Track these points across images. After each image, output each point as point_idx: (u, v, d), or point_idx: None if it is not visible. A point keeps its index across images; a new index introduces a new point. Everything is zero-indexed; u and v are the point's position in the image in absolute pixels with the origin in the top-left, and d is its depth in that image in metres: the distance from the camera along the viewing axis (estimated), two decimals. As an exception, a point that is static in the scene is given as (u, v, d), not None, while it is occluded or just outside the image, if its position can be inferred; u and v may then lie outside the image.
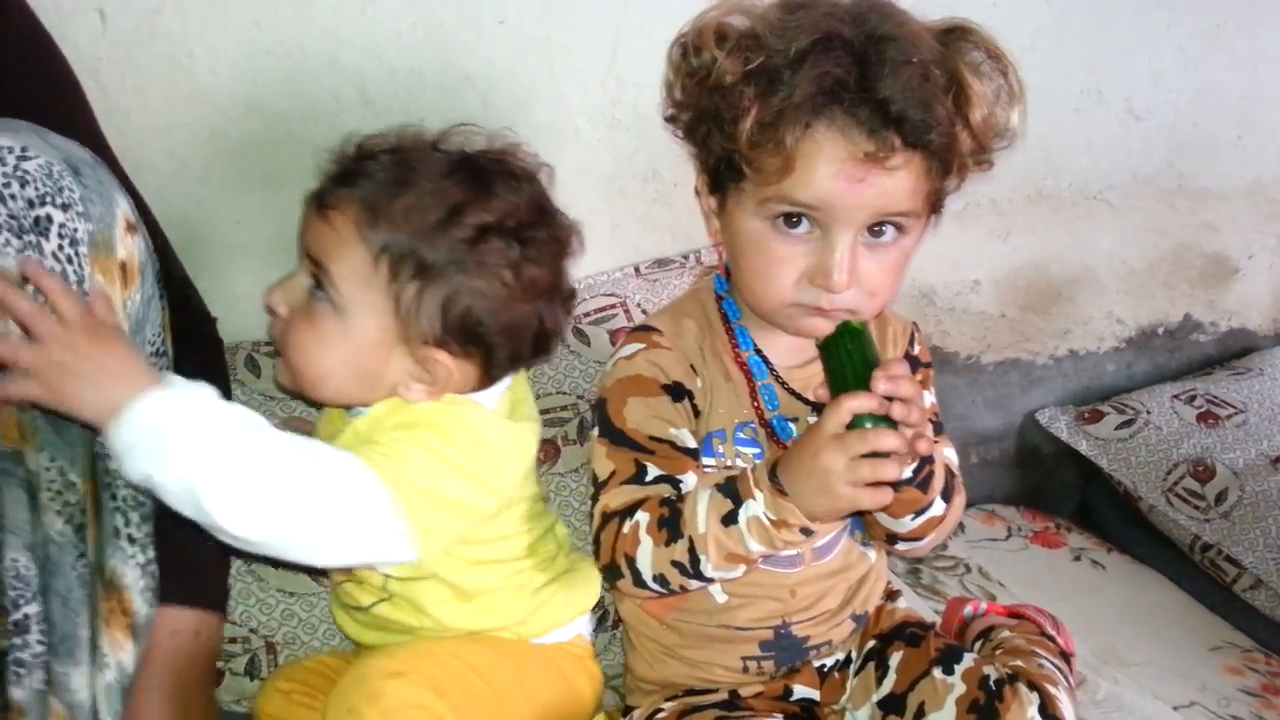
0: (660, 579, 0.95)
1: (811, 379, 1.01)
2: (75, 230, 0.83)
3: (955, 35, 0.94)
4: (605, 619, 1.17)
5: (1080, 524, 1.66)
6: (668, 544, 0.93)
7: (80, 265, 0.84)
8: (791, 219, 0.92)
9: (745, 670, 1.03)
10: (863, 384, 0.90)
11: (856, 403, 0.88)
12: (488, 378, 0.94)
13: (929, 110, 0.88)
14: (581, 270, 1.33)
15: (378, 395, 0.92)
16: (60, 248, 0.83)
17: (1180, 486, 1.57)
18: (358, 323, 0.89)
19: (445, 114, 1.24)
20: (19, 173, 0.81)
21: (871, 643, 1.05)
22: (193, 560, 0.96)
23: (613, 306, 1.29)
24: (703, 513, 0.92)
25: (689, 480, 0.98)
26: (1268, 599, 1.44)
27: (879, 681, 1.02)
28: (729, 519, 0.91)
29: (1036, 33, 1.52)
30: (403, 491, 0.85)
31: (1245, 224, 1.77)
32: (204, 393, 0.81)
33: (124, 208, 0.87)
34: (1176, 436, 1.62)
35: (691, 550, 0.93)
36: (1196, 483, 1.57)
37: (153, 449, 0.77)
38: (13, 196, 0.81)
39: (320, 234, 0.89)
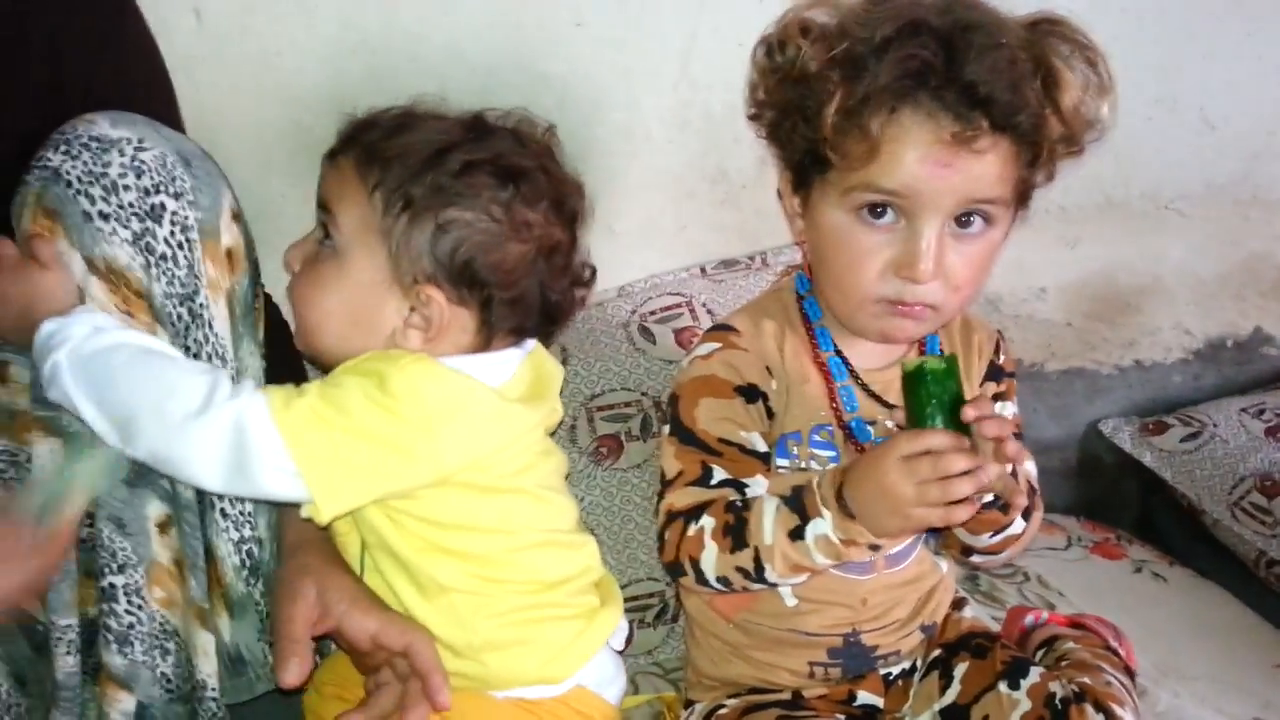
0: (723, 580, 0.96)
1: (892, 382, 1.00)
2: (186, 218, 0.88)
3: (1043, 26, 0.93)
4: (665, 611, 1.19)
5: (1141, 536, 1.64)
6: (733, 551, 0.94)
7: (190, 250, 0.88)
8: (876, 209, 0.91)
9: (811, 675, 1.03)
10: (946, 419, 0.89)
11: (936, 440, 0.87)
12: (486, 333, 0.93)
13: (1017, 92, 0.88)
14: (648, 269, 1.37)
15: (375, 344, 0.92)
16: (172, 234, 0.87)
17: (1246, 501, 1.55)
18: (354, 263, 0.91)
19: (521, 113, 1.28)
20: (135, 163, 0.86)
21: (937, 651, 1.05)
22: None
23: (678, 306, 1.31)
24: (769, 525, 0.92)
25: (755, 484, 0.98)
26: (1334, 617, 1.42)
27: (942, 690, 1.01)
28: (796, 534, 0.91)
29: (1110, 39, 1.48)
30: (297, 431, 0.85)
31: (1320, 237, 1.74)
32: (90, 319, 0.84)
33: (229, 197, 0.92)
34: (1244, 450, 1.60)
35: (757, 559, 0.93)
36: (1263, 497, 1.54)
37: (47, 373, 0.84)
38: (127, 187, 0.86)
39: (328, 181, 0.93)
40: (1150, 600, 1.48)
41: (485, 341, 0.94)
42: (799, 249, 1.08)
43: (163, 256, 0.87)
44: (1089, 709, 0.95)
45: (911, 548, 1.04)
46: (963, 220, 0.92)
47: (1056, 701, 0.95)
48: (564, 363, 1.28)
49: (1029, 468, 1.04)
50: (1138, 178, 1.60)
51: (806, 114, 0.92)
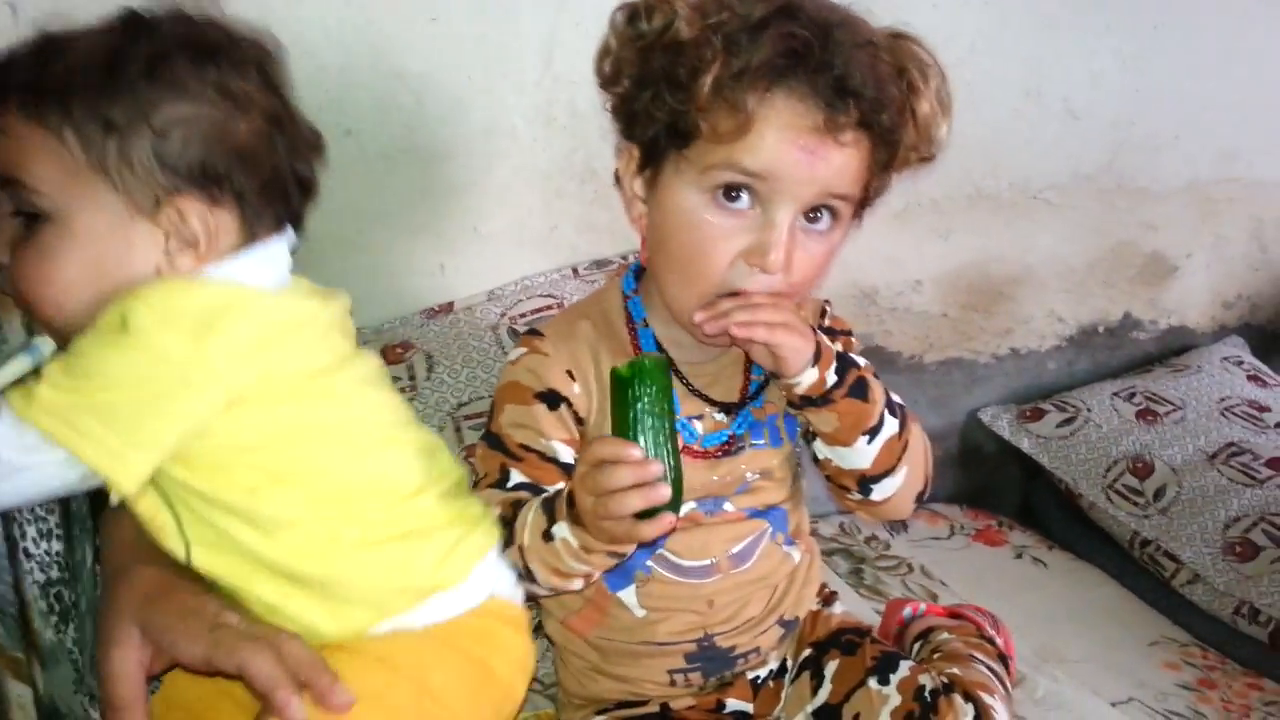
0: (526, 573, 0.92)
1: (714, 374, 0.99)
2: None
3: (899, 38, 0.94)
4: (541, 627, 1.16)
5: (1022, 522, 1.67)
6: (505, 546, 0.91)
7: None
8: (733, 192, 0.89)
9: (673, 684, 1.01)
10: (642, 425, 0.84)
11: (603, 450, 0.83)
12: (248, 230, 0.84)
13: (883, 90, 0.88)
14: (518, 271, 1.33)
15: None
16: None
17: (1120, 483, 1.59)
18: (77, 218, 0.80)
19: (377, 113, 1.23)
20: None
21: (807, 651, 1.04)
22: None
23: (550, 308, 1.28)
24: (529, 525, 0.90)
25: (556, 490, 0.94)
26: (1205, 594, 1.46)
27: (814, 691, 1.00)
28: (546, 536, 0.89)
29: (977, 34, 1.53)
30: (49, 416, 0.76)
31: (1184, 223, 1.79)
32: None
33: None
34: (1116, 434, 1.64)
35: (523, 559, 0.90)
36: (1135, 479, 1.58)
37: None
38: None
39: None
40: (1031, 585, 1.50)
41: (252, 237, 0.84)
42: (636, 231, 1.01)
43: None
44: (958, 699, 0.94)
45: (755, 544, 1.01)
46: (812, 215, 0.90)
47: (926, 694, 0.95)
48: (429, 370, 1.24)
49: (891, 427, 0.99)
50: (1007, 169, 1.63)
51: (676, 81, 0.88)
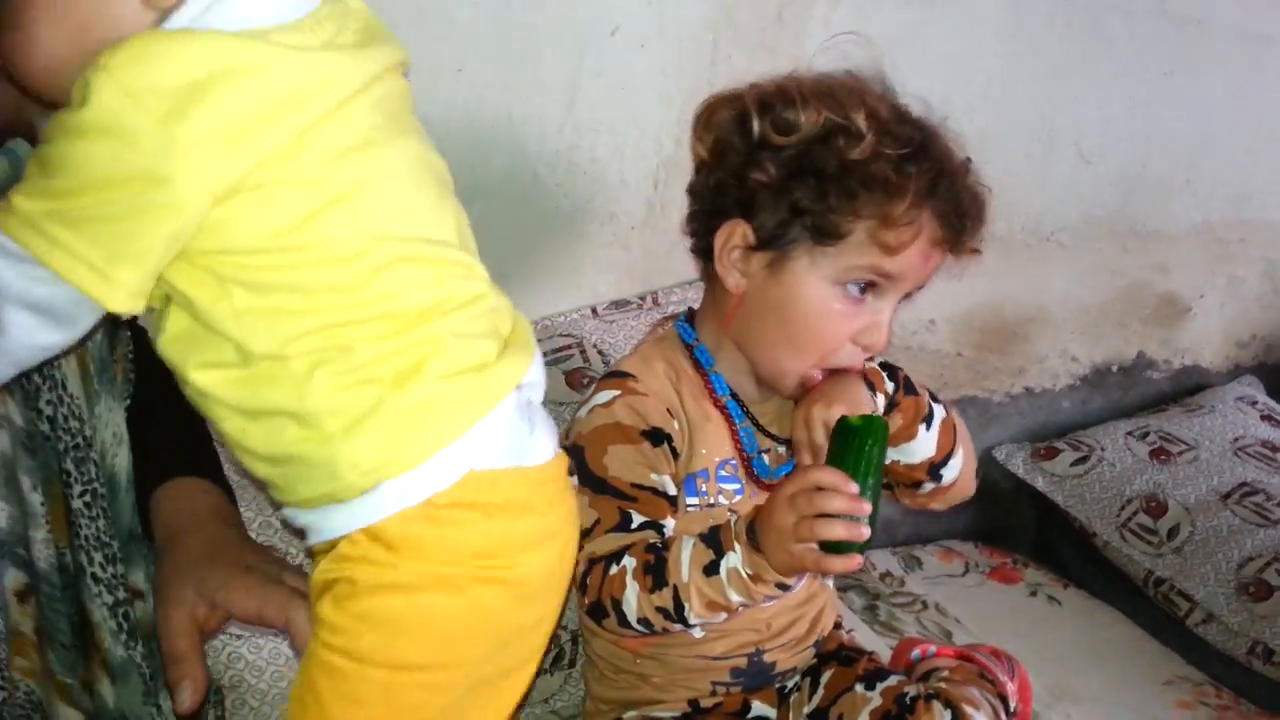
0: (644, 621, 0.95)
1: (775, 412, 1.05)
2: None
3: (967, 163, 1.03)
4: (562, 657, 1.18)
5: (1037, 559, 1.68)
6: (653, 590, 0.94)
7: None
8: (864, 285, 0.97)
9: (712, 693, 1.06)
10: (862, 474, 0.91)
11: (824, 477, 0.90)
12: None
13: (979, 214, 1.00)
14: (539, 311, 1.37)
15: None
16: None
17: (1134, 522, 1.60)
18: None
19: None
20: None
21: (812, 662, 1.09)
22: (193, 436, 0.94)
23: (569, 348, 1.31)
24: (686, 561, 0.93)
25: (670, 524, 0.99)
26: (1219, 633, 1.46)
27: (810, 697, 1.06)
28: (710, 569, 0.92)
29: (989, 80, 1.57)
30: (26, 227, 0.66)
31: (1196, 264, 1.81)
32: None
33: None
34: (1130, 473, 1.65)
35: (676, 597, 0.93)
36: (1149, 518, 1.59)
37: None
38: None
39: None
40: (1045, 623, 1.51)
41: None
42: (700, 291, 1.10)
43: None
44: (936, 705, 0.98)
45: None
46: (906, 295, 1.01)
47: (906, 699, 0.99)
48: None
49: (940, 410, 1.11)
50: (1019, 211, 1.65)
51: (846, 193, 0.94)
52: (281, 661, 1.08)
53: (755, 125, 0.96)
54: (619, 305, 1.39)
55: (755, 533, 0.92)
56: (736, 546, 0.92)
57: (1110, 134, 1.67)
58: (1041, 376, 1.76)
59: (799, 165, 0.95)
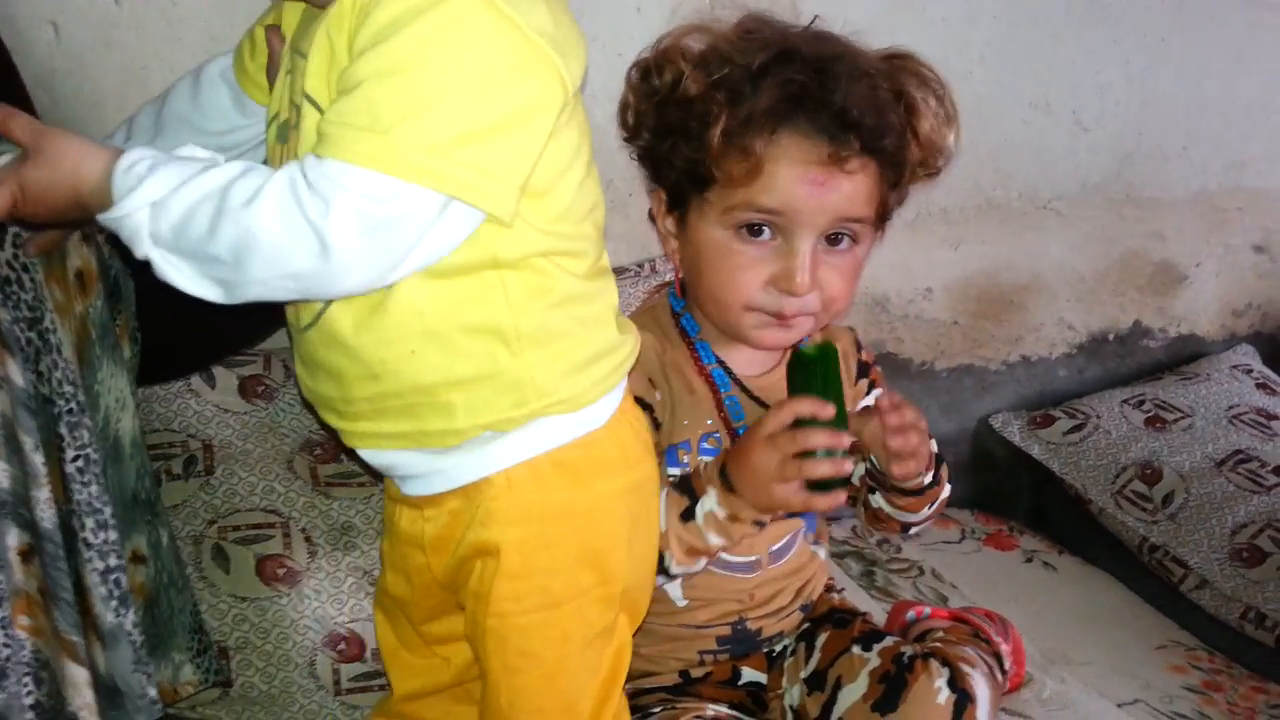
0: None
1: (773, 386, 1.04)
2: (29, 251, 0.85)
3: (896, 60, 1.00)
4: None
5: (1033, 527, 1.69)
6: None
7: (33, 274, 0.86)
8: (754, 228, 0.95)
9: (701, 663, 1.07)
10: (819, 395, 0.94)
11: (801, 406, 0.92)
12: None
13: (883, 117, 0.94)
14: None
15: None
16: (15, 257, 0.85)
17: (1129, 489, 1.61)
18: None
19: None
20: None
21: (805, 626, 1.10)
22: None
23: (568, 314, 1.31)
24: (662, 511, 0.95)
25: None
26: (1212, 598, 1.47)
27: (806, 660, 1.07)
28: (686, 515, 0.95)
29: (985, 46, 1.56)
30: (393, 156, 0.68)
31: (1193, 232, 1.81)
32: (142, 197, 0.71)
33: None
34: (1125, 440, 1.66)
35: None
36: (1144, 485, 1.60)
37: (141, 258, 0.72)
38: None
39: None
40: (1040, 589, 1.53)
41: None
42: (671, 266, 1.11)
43: (6, 280, 0.84)
44: (934, 662, 0.99)
45: (793, 542, 1.07)
46: (832, 238, 0.97)
47: (905, 659, 1.00)
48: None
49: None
50: (1016, 179, 1.65)
51: (688, 135, 0.95)
52: (286, 623, 1.09)
53: (630, 98, 1.00)
54: (617, 272, 1.37)
55: (728, 475, 0.94)
56: (710, 490, 0.94)
57: (1107, 101, 1.66)
58: (1038, 345, 1.76)
59: (658, 124, 0.98)
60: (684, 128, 0.95)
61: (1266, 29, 1.73)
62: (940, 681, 0.97)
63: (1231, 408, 1.70)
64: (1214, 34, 1.70)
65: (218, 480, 1.13)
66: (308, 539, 1.12)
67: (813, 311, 0.98)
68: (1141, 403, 1.72)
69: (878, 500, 1.09)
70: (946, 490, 1.09)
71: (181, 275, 0.71)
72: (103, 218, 0.71)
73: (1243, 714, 1.30)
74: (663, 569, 0.96)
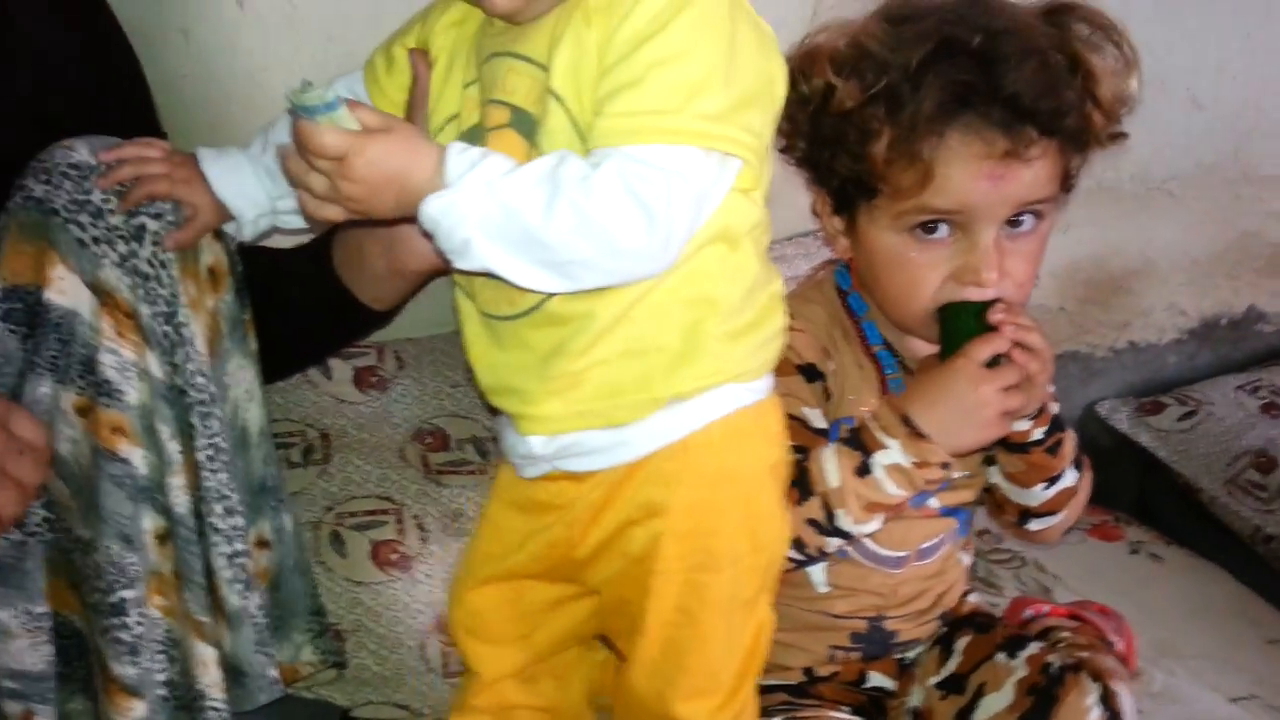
0: (796, 542, 0.96)
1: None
2: (165, 245, 0.90)
3: (1061, 13, 0.95)
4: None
5: (1139, 517, 1.65)
6: (799, 503, 0.95)
7: (170, 271, 0.90)
8: (929, 226, 0.93)
9: (831, 659, 1.06)
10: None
11: (991, 346, 0.92)
12: None
13: (1059, 96, 0.90)
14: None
15: None
16: (154, 254, 0.89)
17: (1242, 478, 1.57)
18: None
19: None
20: (116, 186, 0.88)
21: (942, 629, 1.08)
22: None
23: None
24: (833, 469, 0.94)
25: None
26: (1330, 592, 1.43)
27: (942, 663, 1.04)
28: (862, 470, 0.94)
29: (1096, 24, 1.52)
30: (687, 129, 0.77)
31: (1313, 212, 1.74)
32: (475, 184, 0.77)
33: None
34: (1239, 427, 1.61)
35: (826, 506, 0.94)
36: (1259, 474, 1.56)
37: (457, 247, 0.77)
38: (111, 210, 0.88)
39: None
40: (1147, 581, 1.49)
41: None
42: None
43: (145, 276, 0.89)
44: (1085, 678, 0.96)
45: (943, 542, 1.06)
46: (1014, 221, 0.94)
47: (1053, 669, 0.97)
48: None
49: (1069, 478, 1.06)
50: (1128, 160, 1.60)
51: (848, 147, 0.93)
52: (399, 607, 1.13)
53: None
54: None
55: (916, 421, 0.93)
56: (890, 442, 0.93)
57: (1224, 77, 1.61)
58: (1147, 330, 1.72)
59: (814, 133, 0.95)
60: (841, 139, 0.93)
61: (1396, -1, 1.65)
62: (1091, 700, 0.94)
63: (1354, 394, 1.64)
64: (1339, 3, 1.63)
65: (334, 468, 1.17)
66: (419, 525, 1.16)
67: (1006, 297, 0.94)
68: (1257, 389, 1.67)
69: (993, 474, 1.06)
70: (1074, 478, 1.04)
71: (500, 258, 0.77)
72: (432, 198, 0.76)
73: (1362, 711, 1.27)
74: (834, 529, 0.95)
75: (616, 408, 0.83)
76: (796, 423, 0.98)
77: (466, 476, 1.20)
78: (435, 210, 0.76)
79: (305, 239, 1.07)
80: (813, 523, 0.95)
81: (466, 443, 1.21)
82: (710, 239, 0.81)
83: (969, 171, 0.89)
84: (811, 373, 1.00)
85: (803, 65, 0.94)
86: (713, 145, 0.77)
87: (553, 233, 0.75)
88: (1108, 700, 0.95)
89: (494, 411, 0.95)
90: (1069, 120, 0.91)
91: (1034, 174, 0.91)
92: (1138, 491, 1.72)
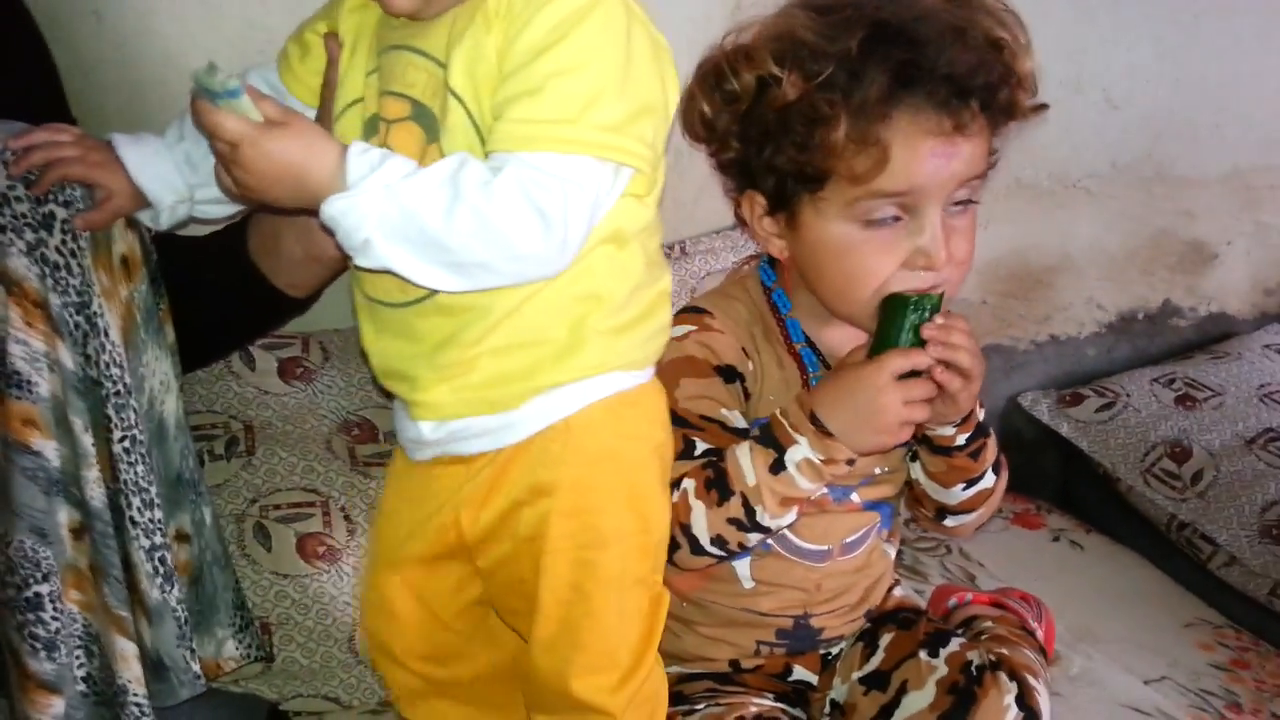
0: (718, 540, 0.96)
1: None
2: (76, 226, 0.87)
3: (961, 2, 0.96)
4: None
5: (1061, 506, 1.69)
6: (720, 504, 0.95)
7: (82, 260, 0.88)
8: (879, 211, 0.93)
9: (756, 653, 1.06)
10: (917, 343, 0.93)
11: (909, 361, 0.92)
12: None
13: (990, 73, 0.92)
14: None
15: None
16: (64, 242, 0.87)
17: (1158, 467, 1.61)
18: None
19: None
20: (24, 173, 0.86)
21: (866, 625, 1.09)
22: None
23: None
24: (747, 466, 0.94)
25: None
26: (1241, 575, 1.48)
27: (865, 659, 1.05)
28: (776, 467, 0.94)
29: (1016, 24, 1.55)
30: (578, 139, 0.79)
31: (1223, 211, 1.80)
32: (377, 184, 0.78)
33: None
34: (1155, 419, 1.66)
35: (746, 503, 0.94)
36: (1174, 463, 1.60)
37: (356, 246, 0.79)
38: (19, 198, 0.86)
39: None
40: (1067, 568, 1.53)
41: None
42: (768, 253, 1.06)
43: (55, 265, 0.86)
44: (1003, 676, 0.98)
45: (866, 536, 1.06)
46: (955, 200, 0.95)
47: (972, 668, 0.99)
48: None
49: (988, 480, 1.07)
50: (1046, 159, 1.65)
51: (793, 139, 0.92)
52: (326, 599, 1.12)
53: (705, 107, 0.96)
54: (646, 253, 1.40)
55: (822, 420, 0.93)
56: (800, 438, 0.93)
57: (1138, 79, 1.66)
58: (1067, 324, 1.76)
59: (752, 130, 0.94)
60: (785, 131, 0.92)
61: (1301, 5, 1.72)
62: (1009, 699, 0.96)
63: (1262, 386, 1.69)
64: (1246, 10, 1.69)
65: (259, 460, 1.16)
66: (347, 517, 1.15)
67: (947, 280, 0.95)
68: (1172, 381, 1.72)
69: (914, 470, 1.08)
70: (992, 480, 1.06)
71: (401, 258, 0.78)
72: (334, 198, 0.77)
73: (1270, 690, 1.31)
74: (755, 525, 0.95)
75: (504, 395, 0.86)
76: (715, 425, 0.98)
77: (394, 468, 1.18)
78: (335, 211, 0.77)
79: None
80: (734, 521, 0.95)
81: (394, 434, 1.19)
82: (601, 240, 0.84)
83: (919, 151, 0.90)
84: (730, 374, 1.00)
85: (732, 62, 0.94)
86: (607, 155, 0.80)
87: (453, 236, 0.77)
88: (1025, 698, 0.97)
89: (388, 395, 0.96)
90: (1001, 95, 0.93)
91: (973, 149, 0.93)
92: (1060, 480, 1.76)
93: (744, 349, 1.01)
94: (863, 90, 0.89)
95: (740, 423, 1.00)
